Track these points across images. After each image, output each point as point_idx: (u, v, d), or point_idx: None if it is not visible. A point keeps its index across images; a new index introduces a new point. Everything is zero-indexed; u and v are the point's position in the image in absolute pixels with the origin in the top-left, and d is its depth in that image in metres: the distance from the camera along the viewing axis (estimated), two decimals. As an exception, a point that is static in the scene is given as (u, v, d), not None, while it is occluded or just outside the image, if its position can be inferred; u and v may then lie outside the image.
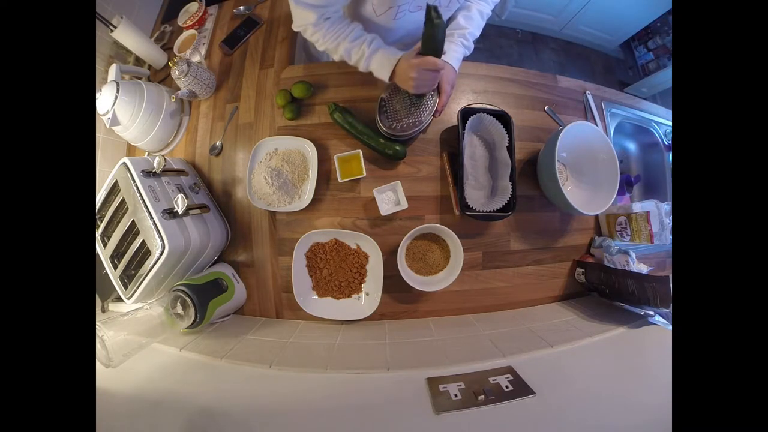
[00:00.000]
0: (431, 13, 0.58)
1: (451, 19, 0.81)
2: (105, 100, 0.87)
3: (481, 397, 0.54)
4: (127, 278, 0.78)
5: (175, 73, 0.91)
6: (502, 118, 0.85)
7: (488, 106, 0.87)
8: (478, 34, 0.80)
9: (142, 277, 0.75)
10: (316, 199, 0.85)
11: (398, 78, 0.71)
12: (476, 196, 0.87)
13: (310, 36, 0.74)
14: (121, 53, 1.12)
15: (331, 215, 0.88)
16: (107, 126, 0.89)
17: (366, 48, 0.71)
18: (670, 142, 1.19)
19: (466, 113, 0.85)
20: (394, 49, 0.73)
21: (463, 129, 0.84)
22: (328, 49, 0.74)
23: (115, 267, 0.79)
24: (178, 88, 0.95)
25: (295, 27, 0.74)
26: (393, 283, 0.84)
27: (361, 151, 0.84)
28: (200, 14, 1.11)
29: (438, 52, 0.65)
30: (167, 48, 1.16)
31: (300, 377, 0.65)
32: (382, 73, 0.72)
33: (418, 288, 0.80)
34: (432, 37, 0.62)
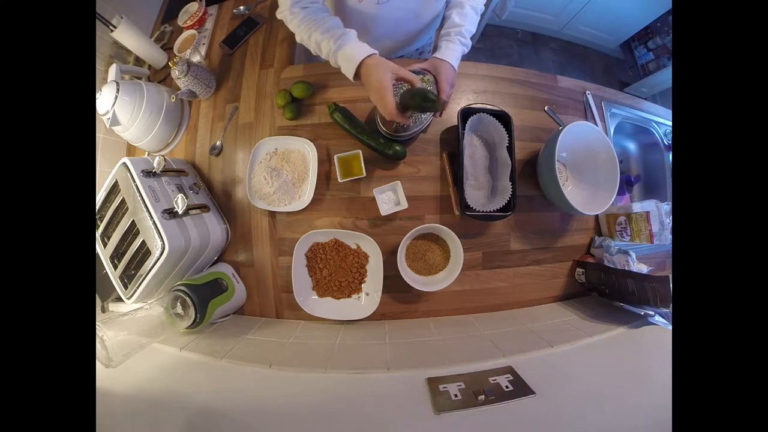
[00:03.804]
0: (429, 95, 0.58)
1: (445, 18, 0.80)
2: (105, 100, 0.86)
3: (481, 397, 0.54)
4: (127, 278, 0.77)
5: (175, 73, 0.91)
6: (502, 118, 0.85)
7: (488, 106, 0.87)
8: (474, 30, 0.79)
9: (142, 277, 0.75)
10: (316, 199, 0.85)
11: (364, 83, 0.65)
12: (476, 196, 0.87)
13: (289, 24, 0.71)
14: (121, 53, 1.12)
15: (331, 215, 0.88)
16: (107, 126, 0.89)
17: (333, 43, 0.65)
18: (670, 142, 1.19)
19: (466, 113, 0.85)
20: (363, 46, 0.65)
21: (463, 129, 0.84)
22: (302, 39, 0.70)
23: (115, 267, 0.78)
24: (178, 88, 0.95)
25: (277, 14, 0.72)
26: (393, 283, 0.84)
27: (361, 151, 0.84)
28: (200, 14, 1.11)
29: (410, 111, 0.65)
30: (167, 48, 1.16)
31: (300, 377, 0.65)
32: (347, 72, 0.66)
33: (418, 288, 0.80)
34: (409, 105, 0.62)
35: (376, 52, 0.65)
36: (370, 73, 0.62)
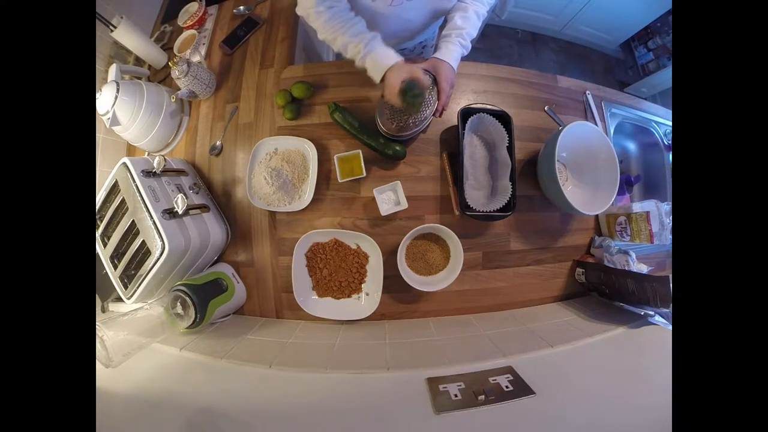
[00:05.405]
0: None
1: (447, 20, 0.81)
2: (105, 100, 0.86)
3: (481, 397, 0.54)
4: (127, 278, 0.77)
5: (175, 73, 0.91)
6: (502, 118, 0.85)
7: (488, 106, 0.87)
8: (475, 34, 0.80)
9: (142, 277, 0.75)
10: (316, 199, 0.85)
11: (385, 86, 0.72)
12: (476, 196, 0.87)
13: (312, 23, 0.74)
14: (121, 53, 1.12)
15: (331, 215, 0.88)
16: (107, 126, 0.89)
17: (362, 47, 0.72)
18: (670, 142, 1.19)
19: (466, 113, 0.85)
20: (391, 51, 0.73)
21: (463, 129, 0.84)
22: (326, 39, 0.75)
23: (115, 267, 0.78)
24: (178, 88, 0.95)
25: (298, 11, 0.75)
26: (393, 283, 0.84)
27: (360, 151, 0.84)
28: (200, 14, 1.11)
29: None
30: (167, 48, 1.16)
31: (300, 377, 0.65)
32: (374, 76, 0.74)
33: (418, 288, 0.80)
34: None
35: (402, 59, 0.72)
36: (389, 76, 0.71)
